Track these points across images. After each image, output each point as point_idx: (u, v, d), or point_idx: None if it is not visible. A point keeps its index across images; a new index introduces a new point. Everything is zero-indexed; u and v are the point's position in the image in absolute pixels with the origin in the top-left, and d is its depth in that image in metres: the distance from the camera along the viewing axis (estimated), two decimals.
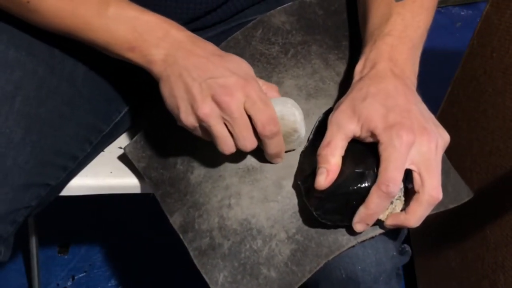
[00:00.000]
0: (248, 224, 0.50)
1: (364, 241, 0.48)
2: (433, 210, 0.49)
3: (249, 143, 0.47)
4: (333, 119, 0.47)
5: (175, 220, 0.53)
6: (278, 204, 0.51)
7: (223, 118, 0.46)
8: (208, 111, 0.45)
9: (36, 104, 0.53)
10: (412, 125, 0.43)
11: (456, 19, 1.79)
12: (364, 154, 0.45)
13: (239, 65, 0.48)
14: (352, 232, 0.47)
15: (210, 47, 0.49)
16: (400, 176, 0.42)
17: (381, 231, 0.48)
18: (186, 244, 0.52)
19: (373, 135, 0.44)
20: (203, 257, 0.50)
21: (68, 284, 1.06)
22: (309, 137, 0.53)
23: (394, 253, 0.51)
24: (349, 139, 0.46)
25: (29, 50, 0.54)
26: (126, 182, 0.65)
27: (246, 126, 0.47)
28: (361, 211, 0.45)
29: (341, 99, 0.48)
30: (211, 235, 0.51)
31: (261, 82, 0.51)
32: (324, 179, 0.45)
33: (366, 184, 0.44)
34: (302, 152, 0.53)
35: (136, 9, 0.50)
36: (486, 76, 0.74)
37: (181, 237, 0.52)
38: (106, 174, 0.66)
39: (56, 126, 0.55)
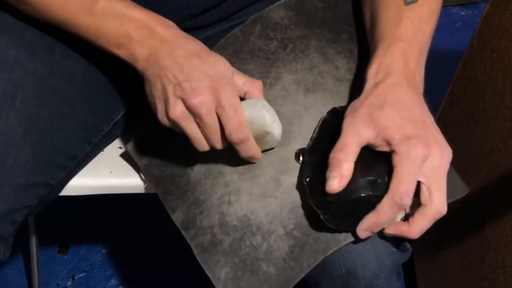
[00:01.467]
0: (248, 221, 0.51)
1: None
2: None
3: (219, 144, 0.49)
4: (348, 123, 0.46)
5: (177, 217, 0.54)
6: (276, 200, 0.51)
7: (195, 120, 0.47)
8: (179, 114, 0.46)
9: (36, 103, 0.53)
10: (427, 138, 0.43)
11: (456, 19, 1.79)
12: (374, 161, 0.45)
13: (216, 67, 0.48)
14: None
15: (191, 46, 0.49)
16: (413, 188, 0.43)
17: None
18: (188, 240, 0.52)
19: (388, 144, 0.44)
20: (205, 253, 0.51)
21: (68, 284, 1.06)
22: (312, 136, 0.53)
23: (394, 250, 0.52)
24: (363, 145, 0.46)
25: (29, 50, 0.54)
26: (126, 182, 0.66)
27: (215, 128, 0.47)
28: (370, 220, 0.45)
29: (356, 104, 0.47)
30: (212, 232, 0.51)
31: (243, 79, 0.51)
32: (337, 183, 0.44)
33: (378, 193, 0.44)
34: (306, 151, 0.52)
35: (125, 4, 0.50)
36: (486, 76, 0.74)
37: (183, 234, 0.52)
38: (106, 174, 0.66)
39: (56, 126, 0.55)
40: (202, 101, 0.45)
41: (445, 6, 1.82)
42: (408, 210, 0.46)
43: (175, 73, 0.47)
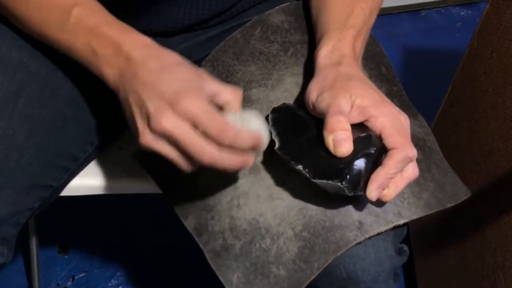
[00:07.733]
0: (256, 223, 0.50)
1: (371, 237, 0.48)
2: (431, 209, 0.51)
3: (207, 156, 0.42)
4: (330, 96, 0.46)
5: (190, 223, 0.53)
6: (283, 202, 0.51)
7: (168, 141, 0.42)
8: (149, 140, 0.42)
9: (39, 105, 0.53)
10: (392, 104, 0.47)
11: (456, 19, 1.79)
12: (354, 128, 0.46)
13: (181, 77, 0.44)
14: (359, 226, 0.48)
15: (156, 62, 0.44)
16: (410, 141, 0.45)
17: (388, 227, 0.48)
18: (201, 246, 0.51)
19: (362, 113, 0.45)
20: (218, 258, 0.50)
21: (68, 284, 1.06)
22: (271, 135, 0.50)
23: (393, 253, 0.52)
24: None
25: (32, 51, 0.54)
26: (126, 182, 0.66)
27: (197, 144, 0.41)
28: (381, 175, 0.44)
29: (322, 82, 0.48)
30: (223, 236, 0.51)
31: (220, 87, 0.46)
32: (348, 143, 0.44)
33: (376, 146, 0.45)
34: (278, 149, 0.49)
35: (98, 20, 0.47)
36: (486, 76, 0.74)
37: (196, 239, 0.52)
38: (106, 174, 0.66)
39: (59, 128, 0.55)
40: (167, 118, 0.41)
41: (445, 6, 1.83)
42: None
43: (140, 93, 0.43)
